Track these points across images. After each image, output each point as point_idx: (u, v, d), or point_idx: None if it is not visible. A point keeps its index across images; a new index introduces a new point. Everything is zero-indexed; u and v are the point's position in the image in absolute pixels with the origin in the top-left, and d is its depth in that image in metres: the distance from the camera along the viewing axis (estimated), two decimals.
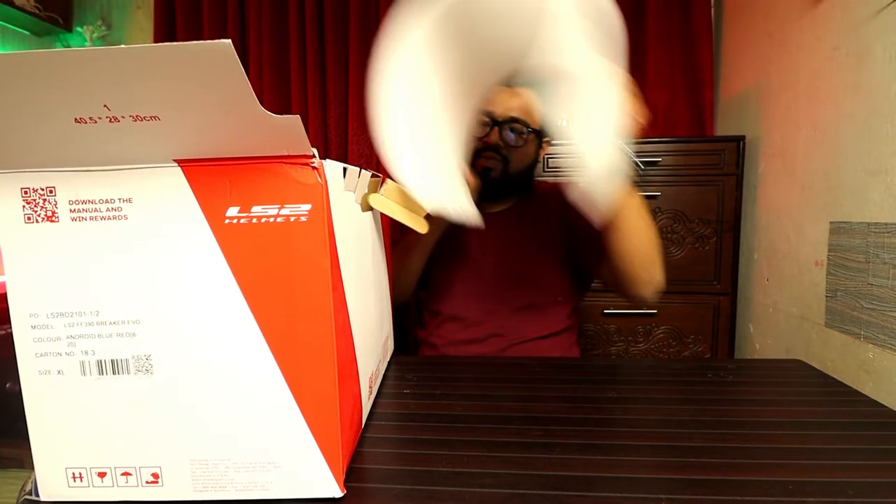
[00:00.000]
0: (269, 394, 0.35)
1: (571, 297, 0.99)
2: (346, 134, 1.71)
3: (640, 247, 0.78)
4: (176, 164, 0.33)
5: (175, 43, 0.24)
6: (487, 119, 0.95)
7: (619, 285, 0.87)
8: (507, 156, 0.95)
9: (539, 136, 0.98)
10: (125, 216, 0.34)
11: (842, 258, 1.02)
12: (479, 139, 0.95)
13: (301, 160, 0.33)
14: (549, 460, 0.42)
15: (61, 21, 1.78)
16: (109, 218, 0.34)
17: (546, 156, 1.41)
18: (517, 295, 0.94)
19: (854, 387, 0.58)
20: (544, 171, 1.42)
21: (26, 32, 1.77)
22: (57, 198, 0.34)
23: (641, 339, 1.43)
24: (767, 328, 1.33)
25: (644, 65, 1.62)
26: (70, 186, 0.34)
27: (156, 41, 1.77)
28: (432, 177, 0.51)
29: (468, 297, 0.95)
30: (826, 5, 1.08)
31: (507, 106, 0.95)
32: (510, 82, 0.96)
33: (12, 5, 1.59)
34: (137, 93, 0.27)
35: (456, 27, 0.48)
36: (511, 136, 0.95)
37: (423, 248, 0.91)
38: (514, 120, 0.94)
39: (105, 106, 0.28)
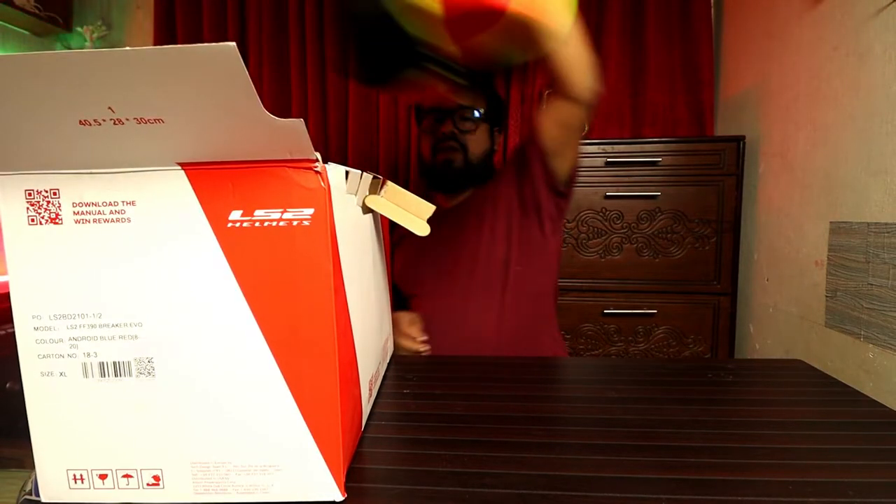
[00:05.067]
0: (271, 397, 0.36)
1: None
2: (346, 134, 1.71)
3: (577, 54, 0.77)
4: (179, 168, 0.34)
5: (180, 45, 0.24)
6: (437, 113, 1.00)
7: (559, 94, 0.84)
8: (465, 143, 0.98)
9: (489, 122, 1.02)
10: (128, 219, 0.34)
11: (842, 258, 1.03)
12: (434, 133, 1.00)
13: (304, 164, 0.33)
14: (549, 460, 0.42)
15: (61, 21, 1.78)
16: (113, 221, 0.34)
17: None
18: (483, 287, 0.94)
19: (854, 387, 0.58)
20: None
21: (26, 32, 1.77)
22: (61, 200, 0.34)
23: (641, 339, 1.44)
24: (767, 328, 1.33)
25: (644, 65, 1.62)
26: (74, 189, 0.34)
27: (156, 41, 1.77)
28: None
29: (435, 297, 0.96)
30: (826, 5, 1.08)
31: (452, 97, 0.98)
32: (447, 77, 1.01)
33: (12, 5, 1.59)
34: (142, 95, 0.27)
35: None
36: (464, 122, 0.99)
37: None
38: (463, 107, 0.98)
39: (109, 108, 0.28)
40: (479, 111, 0.99)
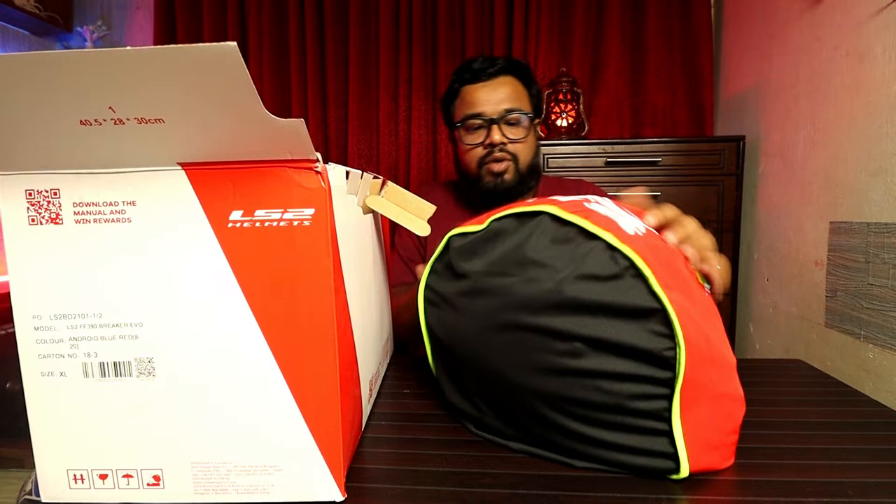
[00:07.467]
0: (271, 397, 0.36)
1: None
2: (346, 133, 1.71)
3: None
4: (180, 168, 0.34)
5: (181, 45, 0.24)
6: (480, 121, 0.85)
7: None
8: (515, 152, 0.86)
9: (533, 119, 0.89)
10: (129, 219, 0.34)
11: (842, 258, 1.03)
12: (479, 144, 0.86)
13: (305, 164, 0.33)
14: (548, 460, 0.42)
15: (61, 21, 1.78)
16: (113, 221, 0.34)
17: (546, 155, 1.41)
18: None
19: (854, 387, 0.58)
20: (544, 170, 1.41)
21: (26, 32, 1.77)
22: (61, 200, 0.34)
23: None
24: (767, 328, 1.33)
25: (644, 65, 1.63)
26: (74, 189, 0.34)
27: (156, 41, 1.77)
28: None
29: None
30: (826, 5, 1.08)
31: (494, 100, 0.85)
32: (480, 77, 0.87)
33: (12, 5, 1.59)
34: (142, 95, 0.27)
35: None
36: (511, 128, 0.85)
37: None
38: (510, 111, 0.85)
39: (110, 108, 0.28)
40: (527, 114, 0.85)
